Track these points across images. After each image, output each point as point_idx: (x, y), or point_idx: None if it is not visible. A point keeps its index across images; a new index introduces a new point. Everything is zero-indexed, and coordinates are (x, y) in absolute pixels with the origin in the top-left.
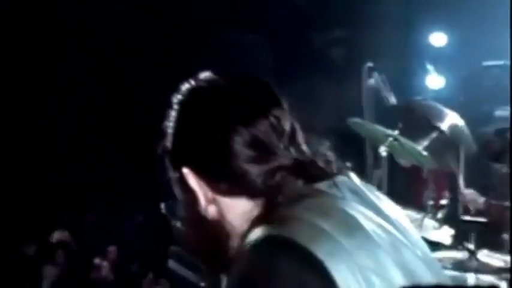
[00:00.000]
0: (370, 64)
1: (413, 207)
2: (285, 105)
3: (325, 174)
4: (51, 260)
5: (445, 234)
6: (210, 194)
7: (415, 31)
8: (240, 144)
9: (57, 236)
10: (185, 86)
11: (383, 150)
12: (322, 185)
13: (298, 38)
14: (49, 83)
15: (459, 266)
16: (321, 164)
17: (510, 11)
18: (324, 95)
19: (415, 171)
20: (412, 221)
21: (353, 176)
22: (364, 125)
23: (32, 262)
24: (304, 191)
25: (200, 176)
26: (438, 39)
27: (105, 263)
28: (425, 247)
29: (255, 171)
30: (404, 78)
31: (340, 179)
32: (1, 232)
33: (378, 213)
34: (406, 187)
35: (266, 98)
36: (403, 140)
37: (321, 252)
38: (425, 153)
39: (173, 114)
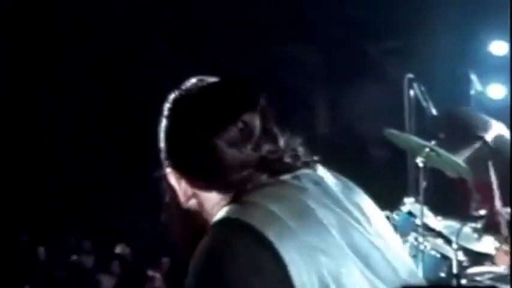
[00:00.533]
0: (410, 75)
1: (459, 217)
2: (258, 108)
3: (289, 168)
4: (108, 271)
5: (489, 245)
6: (189, 190)
7: (474, 40)
8: (212, 148)
9: (117, 248)
10: (171, 95)
11: (420, 161)
12: (286, 177)
13: (352, 49)
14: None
15: (499, 279)
16: (287, 159)
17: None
18: (378, 104)
19: (462, 182)
20: (453, 231)
21: (320, 169)
22: (400, 135)
23: (90, 272)
24: (266, 182)
25: (181, 175)
26: (499, 47)
27: (158, 275)
28: (397, 247)
29: (225, 169)
30: (460, 87)
31: (304, 171)
32: (60, 244)
33: (336, 202)
34: (453, 197)
35: (238, 104)
36: (440, 150)
37: (271, 233)
38: (463, 164)
39: (162, 121)
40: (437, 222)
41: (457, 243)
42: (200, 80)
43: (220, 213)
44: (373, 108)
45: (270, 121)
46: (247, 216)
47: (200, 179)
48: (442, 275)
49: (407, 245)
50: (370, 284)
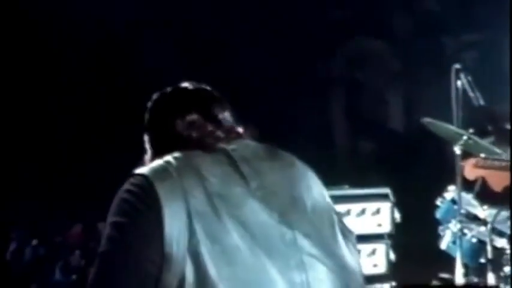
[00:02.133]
0: (457, 65)
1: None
2: (204, 109)
3: (217, 143)
4: None
5: None
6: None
7: None
8: (172, 125)
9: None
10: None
11: (457, 149)
12: (233, 147)
13: (428, 43)
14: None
15: None
16: (220, 135)
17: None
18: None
19: None
20: (499, 220)
21: (250, 143)
22: (438, 124)
23: None
24: (186, 152)
25: (149, 141)
26: None
27: None
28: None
29: (173, 139)
30: None
31: (234, 146)
32: None
33: (254, 174)
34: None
35: (190, 103)
36: (476, 138)
37: (155, 179)
38: (498, 150)
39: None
40: (482, 211)
41: (495, 228)
42: (176, 86)
43: (142, 168)
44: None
45: (213, 113)
46: (146, 170)
47: (156, 144)
48: (482, 261)
49: (449, 231)
50: (248, 249)
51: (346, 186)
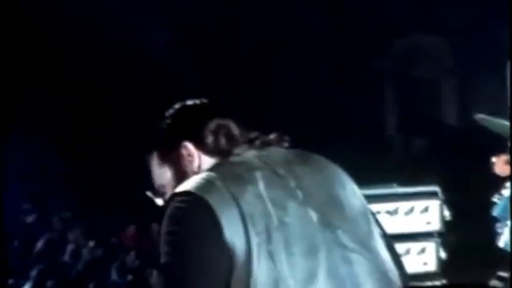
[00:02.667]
0: None
1: None
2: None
3: (248, 151)
4: None
5: None
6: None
7: None
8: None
9: None
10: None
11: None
12: (248, 155)
13: (483, 39)
14: None
15: None
16: (250, 143)
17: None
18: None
19: None
20: None
21: (279, 149)
22: (493, 120)
23: None
24: (220, 162)
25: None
26: None
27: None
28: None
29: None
30: None
31: (265, 152)
32: None
33: (290, 176)
34: None
35: (214, 114)
36: None
37: (213, 200)
38: None
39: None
40: None
41: None
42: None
43: (181, 186)
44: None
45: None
46: (190, 187)
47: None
48: None
49: (507, 229)
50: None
51: (395, 185)
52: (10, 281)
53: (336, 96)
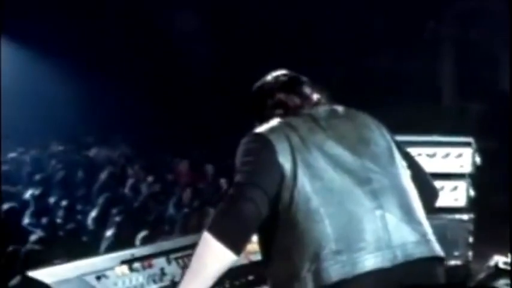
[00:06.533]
0: None
1: None
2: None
3: (302, 110)
4: None
5: None
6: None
7: None
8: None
9: None
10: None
11: None
12: (314, 111)
13: None
14: None
15: None
16: (304, 104)
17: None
18: None
19: None
20: None
21: (325, 107)
22: None
23: None
24: (297, 113)
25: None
26: None
27: None
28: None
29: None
30: None
31: (313, 110)
32: None
33: (329, 126)
34: None
35: (290, 84)
36: None
37: (267, 132)
38: None
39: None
40: None
41: None
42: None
43: (256, 129)
44: None
45: (304, 88)
46: (259, 130)
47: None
48: None
49: None
50: (332, 169)
51: (435, 136)
52: (77, 207)
53: (394, 59)
